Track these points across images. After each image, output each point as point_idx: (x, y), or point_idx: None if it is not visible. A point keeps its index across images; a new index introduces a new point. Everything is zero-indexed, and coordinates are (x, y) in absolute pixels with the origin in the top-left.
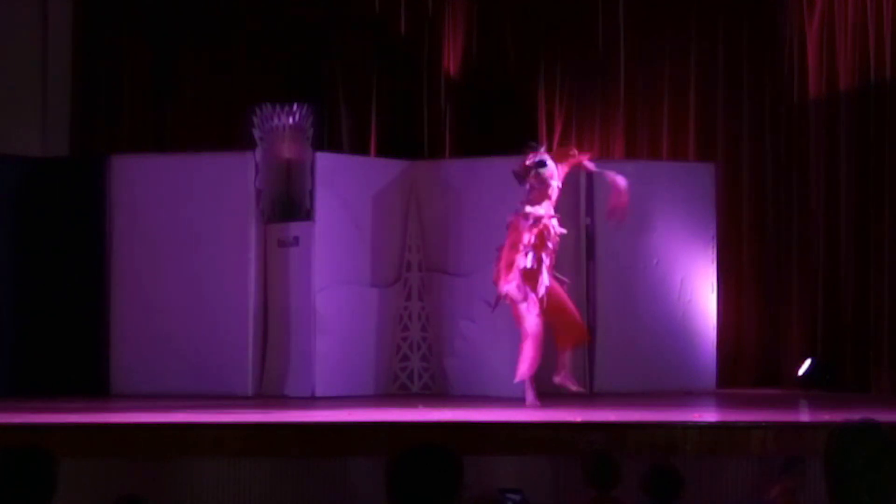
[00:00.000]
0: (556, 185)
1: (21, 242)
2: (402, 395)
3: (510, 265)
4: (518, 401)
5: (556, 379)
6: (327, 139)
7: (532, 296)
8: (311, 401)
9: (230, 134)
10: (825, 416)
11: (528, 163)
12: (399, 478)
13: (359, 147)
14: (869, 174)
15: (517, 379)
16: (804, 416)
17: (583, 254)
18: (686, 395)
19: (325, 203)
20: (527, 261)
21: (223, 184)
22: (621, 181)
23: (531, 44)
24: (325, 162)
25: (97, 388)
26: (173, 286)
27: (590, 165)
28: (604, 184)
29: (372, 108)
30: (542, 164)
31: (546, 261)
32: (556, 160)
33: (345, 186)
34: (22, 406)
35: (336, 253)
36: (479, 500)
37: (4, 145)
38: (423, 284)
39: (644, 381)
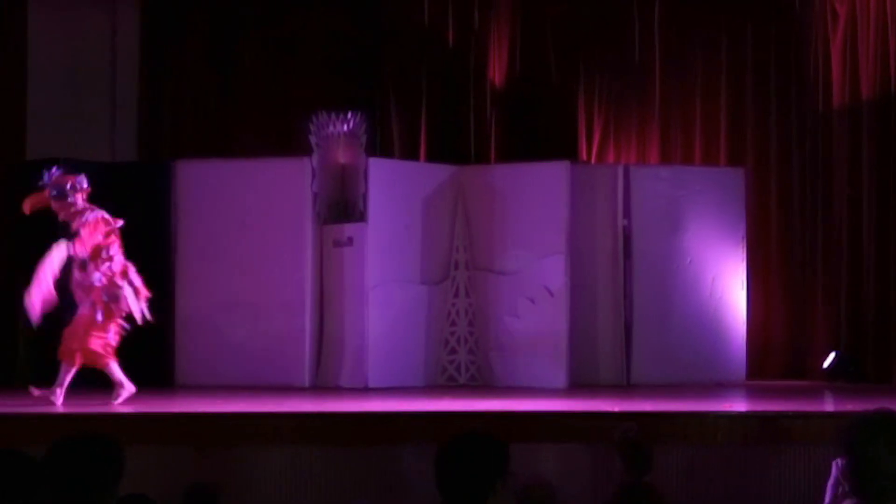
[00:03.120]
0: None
1: None
2: (450, 387)
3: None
4: (559, 392)
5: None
6: (380, 145)
7: None
8: (365, 391)
9: (288, 140)
10: (849, 407)
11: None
12: (447, 464)
13: (409, 153)
14: (890, 178)
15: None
16: (829, 406)
17: (620, 253)
18: (717, 387)
19: (377, 206)
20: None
21: (282, 187)
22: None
23: (571, 55)
24: (378, 167)
25: (163, 380)
26: (235, 284)
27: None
28: (640, 187)
29: (422, 115)
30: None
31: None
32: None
33: (396, 190)
34: (93, 397)
35: (388, 252)
36: (527, 488)
37: (76, 151)
38: (469, 282)
39: (678, 373)
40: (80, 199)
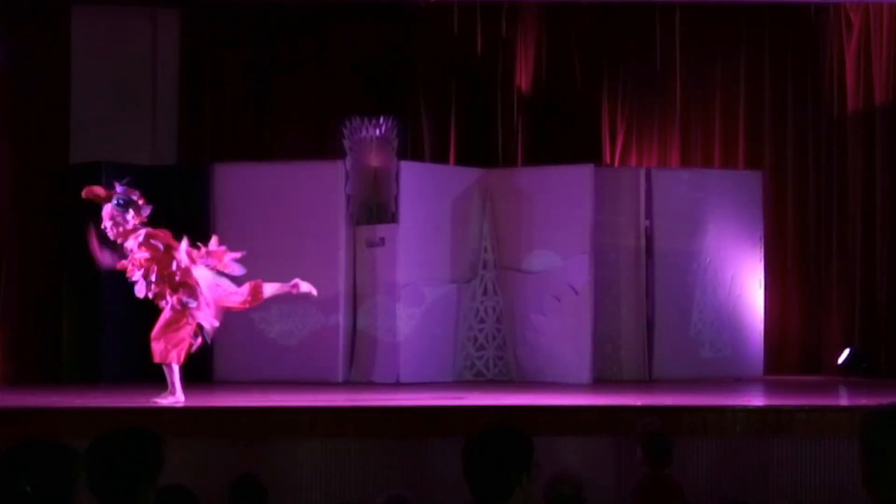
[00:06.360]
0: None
1: None
2: (478, 382)
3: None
4: (583, 387)
5: None
6: (411, 149)
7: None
8: (396, 386)
9: (323, 144)
10: (863, 401)
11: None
12: (475, 456)
13: (439, 156)
14: None
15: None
16: (843, 401)
17: (642, 253)
18: (736, 382)
19: (408, 207)
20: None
21: (316, 189)
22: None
23: (595, 63)
24: (409, 170)
25: (201, 375)
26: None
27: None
28: (662, 189)
29: (451, 120)
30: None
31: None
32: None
33: (426, 192)
34: (133, 391)
35: (418, 252)
36: (555, 481)
37: (118, 154)
38: (497, 281)
39: (698, 369)
40: (134, 220)
